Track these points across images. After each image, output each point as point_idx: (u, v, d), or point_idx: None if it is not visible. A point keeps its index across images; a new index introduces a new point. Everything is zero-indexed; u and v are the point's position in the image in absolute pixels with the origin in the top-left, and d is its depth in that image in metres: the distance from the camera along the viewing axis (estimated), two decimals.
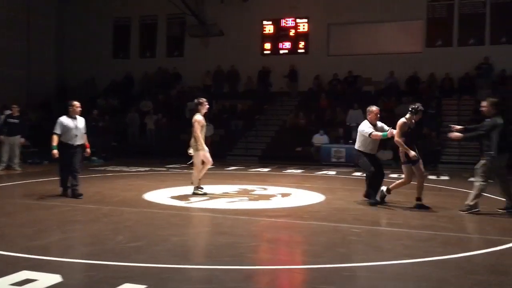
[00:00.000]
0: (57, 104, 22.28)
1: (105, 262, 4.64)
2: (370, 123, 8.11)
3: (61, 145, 8.29)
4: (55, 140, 8.29)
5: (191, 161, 9.02)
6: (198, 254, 5.38)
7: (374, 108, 8.25)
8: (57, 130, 8.32)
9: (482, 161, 7.41)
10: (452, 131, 7.68)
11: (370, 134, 7.93)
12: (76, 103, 8.51)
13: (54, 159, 8.40)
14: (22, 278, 4.12)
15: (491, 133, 7.25)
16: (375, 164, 8.15)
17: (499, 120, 7.31)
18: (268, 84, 20.80)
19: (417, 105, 7.74)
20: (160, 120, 19.47)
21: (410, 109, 7.80)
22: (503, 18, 18.36)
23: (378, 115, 8.22)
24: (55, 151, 8.24)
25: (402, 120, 7.73)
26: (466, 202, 7.44)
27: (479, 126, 7.60)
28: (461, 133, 7.64)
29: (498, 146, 7.21)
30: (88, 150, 8.84)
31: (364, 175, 8.39)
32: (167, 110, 20.28)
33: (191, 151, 8.86)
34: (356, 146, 8.29)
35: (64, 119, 8.38)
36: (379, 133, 7.91)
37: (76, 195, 8.26)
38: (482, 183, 7.34)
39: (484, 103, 7.55)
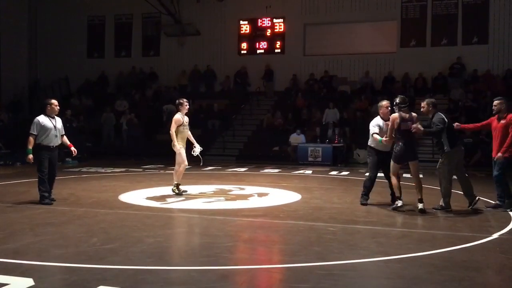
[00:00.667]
0: (29, 104, 21.92)
1: (79, 265, 4.58)
2: (382, 118, 7.89)
3: (38, 148, 7.73)
4: (31, 142, 7.70)
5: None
6: (173, 255, 5.35)
7: (384, 102, 7.97)
8: (34, 130, 7.71)
9: (440, 160, 7.56)
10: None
11: (372, 134, 7.82)
12: (55, 102, 7.96)
13: (28, 163, 7.82)
14: None
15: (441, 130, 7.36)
16: (382, 166, 7.90)
17: (443, 116, 7.48)
18: (246, 84, 20.82)
19: (397, 100, 7.51)
20: (132, 119, 19.20)
21: (393, 106, 7.58)
22: (475, 18, 18.79)
23: (389, 108, 7.83)
24: (31, 156, 7.69)
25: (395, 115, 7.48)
26: (440, 203, 7.58)
27: (431, 124, 7.55)
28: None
29: (449, 141, 7.38)
30: (73, 149, 8.23)
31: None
32: (142, 110, 20.10)
33: (194, 152, 8.81)
34: (369, 142, 7.96)
35: (42, 119, 7.78)
36: (378, 137, 7.64)
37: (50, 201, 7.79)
38: (448, 185, 7.47)
39: (423, 104, 7.73)
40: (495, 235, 6.02)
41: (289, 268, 4.73)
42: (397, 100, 7.51)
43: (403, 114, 7.40)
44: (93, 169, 13.74)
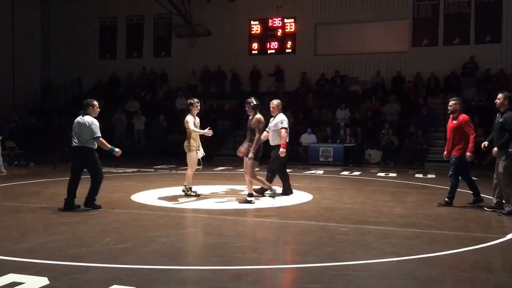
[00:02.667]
0: (42, 105, 22.14)
1: (92, 264, 4.62)
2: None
3: (89, 151, 7.42)
4: (105, 143, 7.50)
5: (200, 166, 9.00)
6: (186, 255, 5.37)
7: None
8: (99, 132, 7.45)
9: (503, 161, 7.09)
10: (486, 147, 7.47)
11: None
12: (97, 103, 7.73)
13: (118, 156, 7.59)
14: (9, 281, 4.09)
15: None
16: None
17: None
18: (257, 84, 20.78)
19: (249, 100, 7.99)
20: (161, 121, 19.32)
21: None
22: (488, 17, 18.61)
23: None
24: (118, 149, 7.55)
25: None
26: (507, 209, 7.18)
27: (498, 127, 7.21)
28: (491, 145, 7.39)
29: None
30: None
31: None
32: (154, 110, 20.18)
33: (199, 154, 8.84)
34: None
35: (96, 121, 7.50)
36: None
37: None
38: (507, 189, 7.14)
39: (499, 96, 7.32)
40: (509, 236, 5.96)
41: (302, 268, 4.73)
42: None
43: None
44: (105, 169, 13.77)
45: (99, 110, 7.76)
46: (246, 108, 8.14)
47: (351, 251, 5.22)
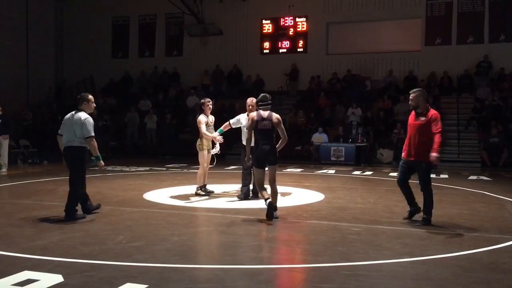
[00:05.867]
0: (56, 104, 22.35)
1: (106, 262, 4.66)
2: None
3: (82, 150, 6.68)
4: (96, 147, 6.60)
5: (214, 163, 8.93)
6: (198, 254, 5.39)
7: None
8: (93, 131, 6.61)
9: None
10: None
11: None
12: (92, 97, 6.92)
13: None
14: (24, 278, 4.14)
15: None
16: None
17: None
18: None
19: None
20: (167, 119, 19.43)
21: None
22: (502, 16, 18.40)
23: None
24: (102, 162, 6.75)
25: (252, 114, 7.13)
26: None
27: None
28: None
29: None
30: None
31: None
32: (167, 109, 20.27)
33: (214, 150, 8.79)
34: None
35: (90, 118, 6.68)
36: None
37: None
38: None
39: None
40: None
41: (314, 268, 4.72)
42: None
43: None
44: (118, 168, 13.94)
45: (94, 106, 6.95)
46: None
47: (364, 251, 5.20)
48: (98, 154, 6.67)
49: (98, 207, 7.20)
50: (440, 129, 6.34)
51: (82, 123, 6.53)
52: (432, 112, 6.49)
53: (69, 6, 23.71)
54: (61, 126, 6.77)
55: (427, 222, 6.47)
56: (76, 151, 6.63)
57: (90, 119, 6.63)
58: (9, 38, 20.83)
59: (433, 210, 6.58)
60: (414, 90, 6.79)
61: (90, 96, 6.88)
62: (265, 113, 6.83)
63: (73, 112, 6.73)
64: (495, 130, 15.87)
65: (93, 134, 6.58)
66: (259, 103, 6.95)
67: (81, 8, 23.40)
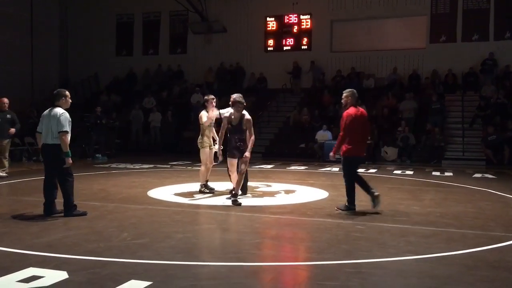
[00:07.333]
0: None
1: (110, 259, 4.68)
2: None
3: (59, 149, 6.57)
4: (67, 143, 6.55)
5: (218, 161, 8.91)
6: (202, 251, 5.40)
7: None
8: (68, 127, 6.58)
9: None
10: None
11: None
12: (69, 93, 6.87)
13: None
14: (29, 275, 4.16)
15: None
16: None
17: None
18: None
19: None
20: (168, 117, 19.46)
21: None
22: (507, 13, 18.31)
23: None
24: (70, 160, 6.63)
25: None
26: None
27: None
28: None
29: None
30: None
31: None
32: (171, 107, 20.29)
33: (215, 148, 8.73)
34: None
35: (66, 113, 6.69)
36: None
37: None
38: None
39: None
40: None
41: (317, 265, 4.72)
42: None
43: None
44: (122, 165, 13.97)
45: (70, 101, 6.94)
46: (239, 108, 7.80)
47: (367, 249, 5.20)
48: (68, 150, 6.58)
49: (60, 212, 6.80)
50: (341, 130, 7.06)
51: (57, 118, 6.56)
52: (346, 112, 7.09)
53: (74, 4, 23.76)
54: (39, 123, 6.80)
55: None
56: (55, 149, 6.62)
57: (67, 115, 6.64)
58: (14, 35, 20.91)
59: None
60: (346, 90, 7.40)
61: (67, 92, 6.92)
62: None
63: (50, 108, 6.75)
64: (491, 128, 15.82)
65: (66, 129, 6.55)
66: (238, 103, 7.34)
67: (86, 5, 23.45)
